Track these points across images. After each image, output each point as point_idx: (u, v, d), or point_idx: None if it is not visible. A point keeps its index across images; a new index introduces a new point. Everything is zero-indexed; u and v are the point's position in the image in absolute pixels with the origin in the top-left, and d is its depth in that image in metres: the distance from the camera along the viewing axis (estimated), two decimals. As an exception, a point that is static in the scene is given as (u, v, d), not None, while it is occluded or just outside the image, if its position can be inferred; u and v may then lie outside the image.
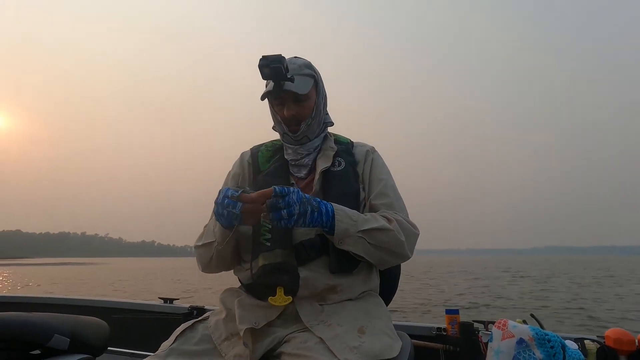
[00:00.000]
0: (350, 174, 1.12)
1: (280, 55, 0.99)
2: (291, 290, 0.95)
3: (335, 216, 0.96)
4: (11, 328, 1.20)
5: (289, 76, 1.03)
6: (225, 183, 1.22)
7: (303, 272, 0.98)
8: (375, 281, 1.12)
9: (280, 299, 0.94)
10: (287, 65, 1.02)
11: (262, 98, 1.11)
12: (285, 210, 0.87)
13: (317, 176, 1.09)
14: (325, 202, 0.98)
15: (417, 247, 1.07)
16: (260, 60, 0.98)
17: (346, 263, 1.01)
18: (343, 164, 1.13)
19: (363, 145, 1.23)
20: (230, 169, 1.26)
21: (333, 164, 1.12)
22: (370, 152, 1.20)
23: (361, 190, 1.12)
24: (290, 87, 1.04)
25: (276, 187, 0.89)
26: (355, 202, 1.08)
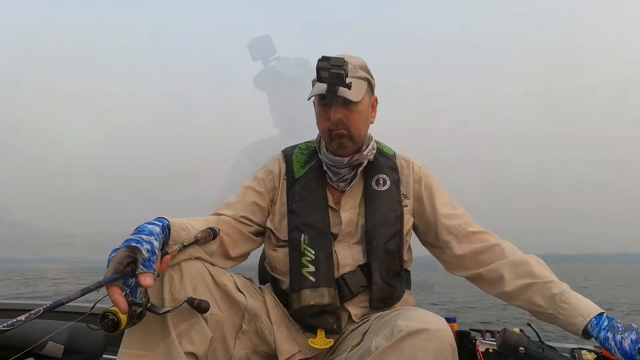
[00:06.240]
0: (394, 195, 1.05)
1: (344, 59, 0.88)
2: (333, 333, 0.95)
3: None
4: (3, 335, 1.19)
5: (347, 82, 0.92)
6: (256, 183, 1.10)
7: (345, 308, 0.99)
8: None
9: (320, 341, 0.93)
10: (347, 71, 0.90)
11: (309, 98, 1.03)
12: None
13: (359, 194, 1.06)
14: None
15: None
16: (320, 60, 0.88)
17: (387, 301, 1.00)
18: (388, 182, 1.05)
19: (407, 160, 1.14)
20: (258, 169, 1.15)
21: (377, 182, 1.05)
22: (425, 175, 1.11)
23: (405, 213, 1.06)
24: (345, 94, 0.94)
25: None
26: (397, 226, 1.03)
